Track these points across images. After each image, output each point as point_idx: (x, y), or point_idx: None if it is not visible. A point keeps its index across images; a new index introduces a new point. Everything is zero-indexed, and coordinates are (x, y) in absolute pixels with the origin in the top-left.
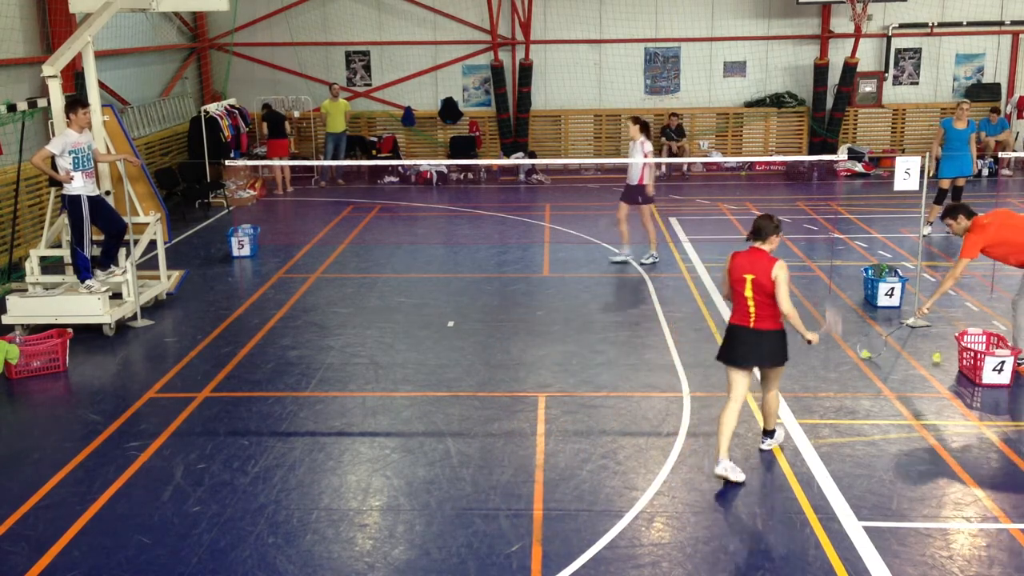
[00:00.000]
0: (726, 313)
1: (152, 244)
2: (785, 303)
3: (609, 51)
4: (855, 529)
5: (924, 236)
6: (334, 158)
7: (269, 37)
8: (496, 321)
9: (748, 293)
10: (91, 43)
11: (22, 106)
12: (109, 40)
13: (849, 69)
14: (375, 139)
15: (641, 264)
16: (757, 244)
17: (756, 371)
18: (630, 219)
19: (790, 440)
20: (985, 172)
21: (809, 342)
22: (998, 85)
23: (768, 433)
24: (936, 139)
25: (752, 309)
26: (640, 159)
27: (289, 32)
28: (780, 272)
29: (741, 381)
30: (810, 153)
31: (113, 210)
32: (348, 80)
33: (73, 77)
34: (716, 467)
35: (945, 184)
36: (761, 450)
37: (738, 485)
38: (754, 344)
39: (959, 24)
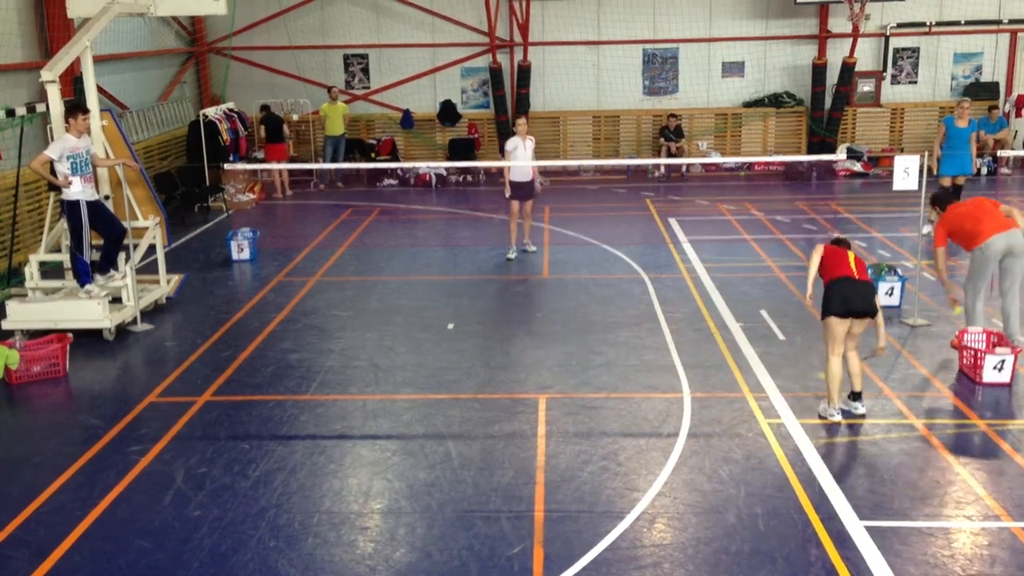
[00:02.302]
0: (727, 314)
1: (151, 248)
2: None
3: (607, 52)
4: (857, 529)
5: (924, 234)
6: (333, 161)
7: (267, 41)
8: (496, 323)
9: (852, 257)
10: (89, 48)
11: (21, 111)
12: (107, 45)
13: (847, 69)
14: (374, 142)
15: (530, 251)
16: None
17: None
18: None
19: (790, 440)
20: (984, 171)
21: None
22: (996, 84)
23: (858, 396)
24: (938, 137)
25: (854, 265)
26: (530, 156)
27: (287, 36)
28: None
29: (843, 330)
30: (809, 153)
31: (112, 214)
32: (347, 83)
33: (72, 82)
34: (831, 412)
35: (946, 182)
36: (853, 414)
37: (743, 484)
38: (862, 290)
39: (957, 23)
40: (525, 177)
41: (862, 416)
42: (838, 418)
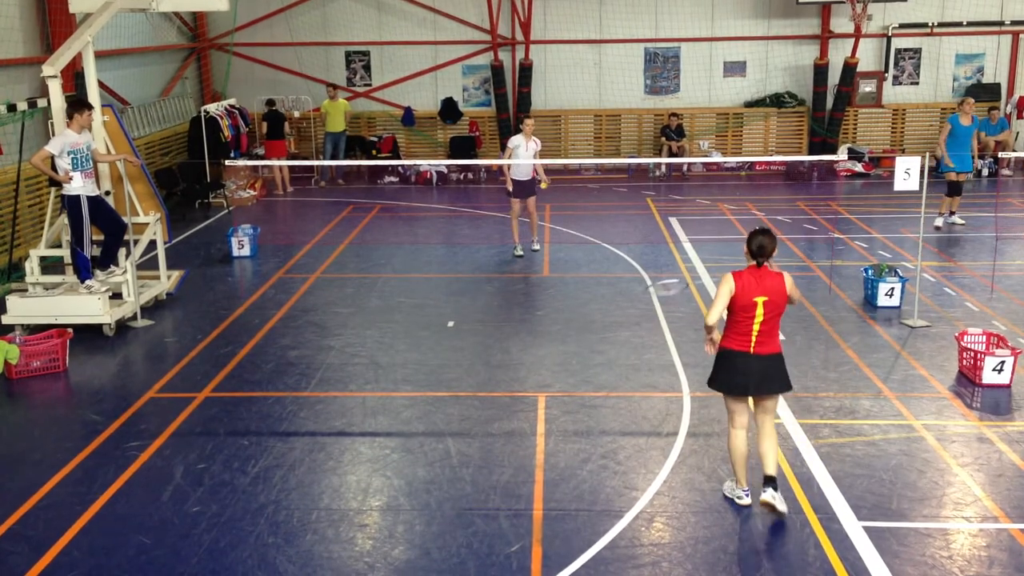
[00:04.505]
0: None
1: (152, 244)
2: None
3: (609, 51)
4: (855, 529)
5: (938, 227)
6: (333, 158)
7: (269, 37)
8: (496, 321)
9: (761, 304)
10: (91, 43)
11: (22, 106)
12: (109, 40)
13: (849, 69)
14: (375, 139)
15: (533, 250)
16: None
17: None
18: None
19: (790, 440)
20: (985, 172)
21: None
22: (998, 85)
23: (772, 481)
24: (942, 134)
25: (759, 321)
26: (532, 155)
27: (289, 32)
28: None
29: (741, 405)
30: (810, 153)
31: (113, 210)
32: (348, 80)
33: (73, 77)
34: (737, 493)
35: (955, 176)
36: (734, 500)
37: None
38: (761, 368)
39: (959, 24)
40: (525, 176)
41: (773, 508)
42: (747, 500)
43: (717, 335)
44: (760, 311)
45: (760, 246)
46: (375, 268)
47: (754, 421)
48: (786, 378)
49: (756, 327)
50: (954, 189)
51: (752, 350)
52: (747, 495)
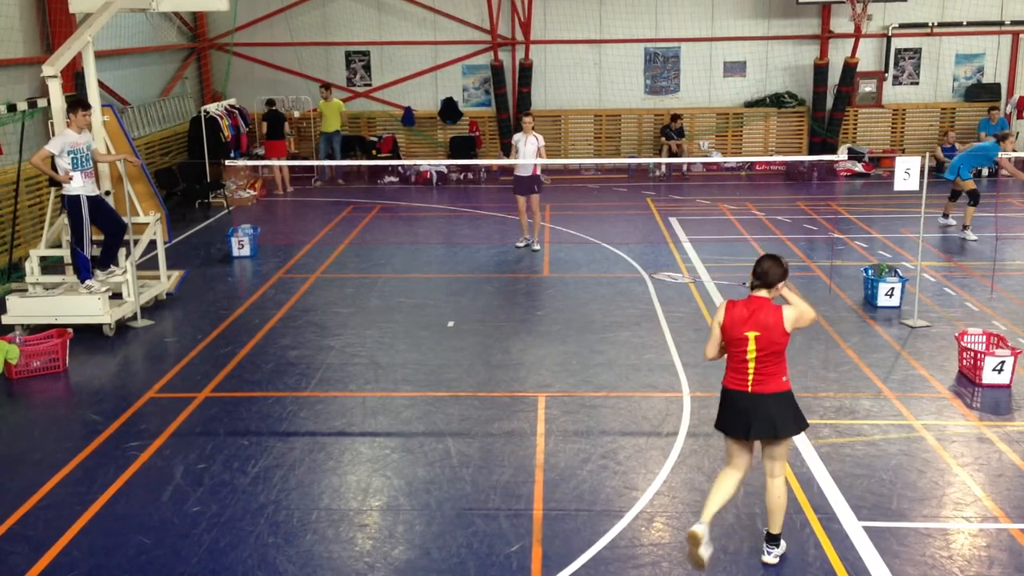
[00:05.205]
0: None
1: (152, 244)
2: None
3: (609, 51)
4: (855, 529)
5: (974, 240)
6: (328, 158)
7: (269, 37)
8: (496, 321)
9: (752, 339)
10: (91, 43)
11: (22, 106)
12: (109, 40)
13: (849, 69)
14: (375, 139)
15: (534, 251)
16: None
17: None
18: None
19: (789, 440)
20: (985, 172)
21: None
22: (998, 85)
23: (774, 539)
24: (1012, 167)
25: (752, 356)
26: (533, 152)
27: (289, 32)
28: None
29: (741, 447)
30: (810, 153)
31: (113, 210)
32: (348, 80)
33: (73, 77)
34: (696, 523)
35: (973, 184)
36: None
37: (741, 484)
38: (762, 409)
39: (959, 24)
40: (525, 172)
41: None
42: (699, 531)
43: None
44: (752, 346)
45: (763, 271)
46: (375, 268)
47: (762, 469)
48: (795, 419)
49: (751, 364)
50: (975, 197)
51: (750, 389)
52: (701, 530)
